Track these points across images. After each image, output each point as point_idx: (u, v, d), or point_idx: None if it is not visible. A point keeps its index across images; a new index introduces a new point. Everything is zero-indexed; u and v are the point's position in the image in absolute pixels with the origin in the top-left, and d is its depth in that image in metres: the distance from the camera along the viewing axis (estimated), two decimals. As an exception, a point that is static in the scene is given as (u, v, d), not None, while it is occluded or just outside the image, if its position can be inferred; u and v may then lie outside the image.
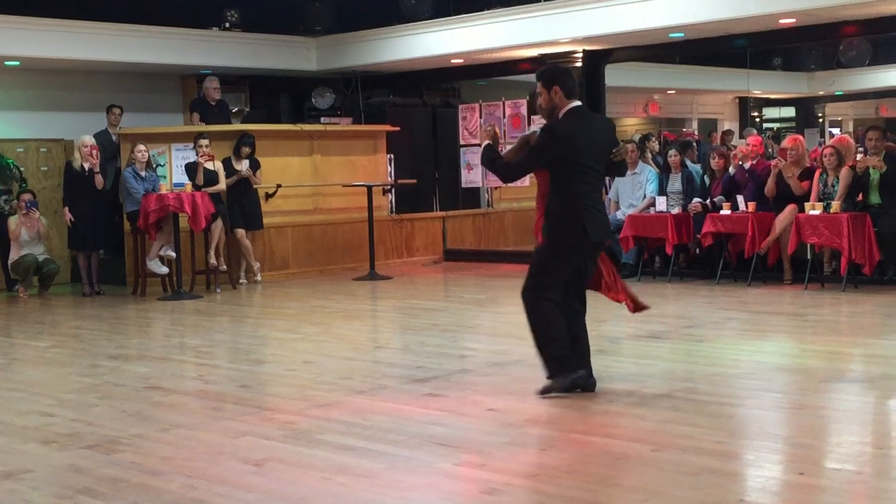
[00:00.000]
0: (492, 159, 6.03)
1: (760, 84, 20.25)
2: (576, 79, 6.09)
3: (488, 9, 13.24)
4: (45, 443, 5.23)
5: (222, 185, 11.75)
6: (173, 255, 11.13)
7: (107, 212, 12.20)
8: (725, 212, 10.67)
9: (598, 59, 13.14)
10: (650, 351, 7.30)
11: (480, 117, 14.26)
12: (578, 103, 5.91)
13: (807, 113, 22.34)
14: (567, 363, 5.83)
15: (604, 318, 8.06)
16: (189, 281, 11.45)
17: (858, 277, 9.97)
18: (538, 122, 6.86)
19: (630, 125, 21.16)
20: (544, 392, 5.85)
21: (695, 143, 14.87)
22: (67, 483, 4.56)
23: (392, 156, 14.24)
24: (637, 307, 6.23)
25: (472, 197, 15.41)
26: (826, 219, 9.78)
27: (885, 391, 6.02)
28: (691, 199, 11.23)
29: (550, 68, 6.33)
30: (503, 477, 4.41)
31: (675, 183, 11.47)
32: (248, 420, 5.56)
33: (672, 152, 11.74)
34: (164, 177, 12.11)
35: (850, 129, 22.46)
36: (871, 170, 10.11)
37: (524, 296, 5.90)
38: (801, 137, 11.46)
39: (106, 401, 6.19)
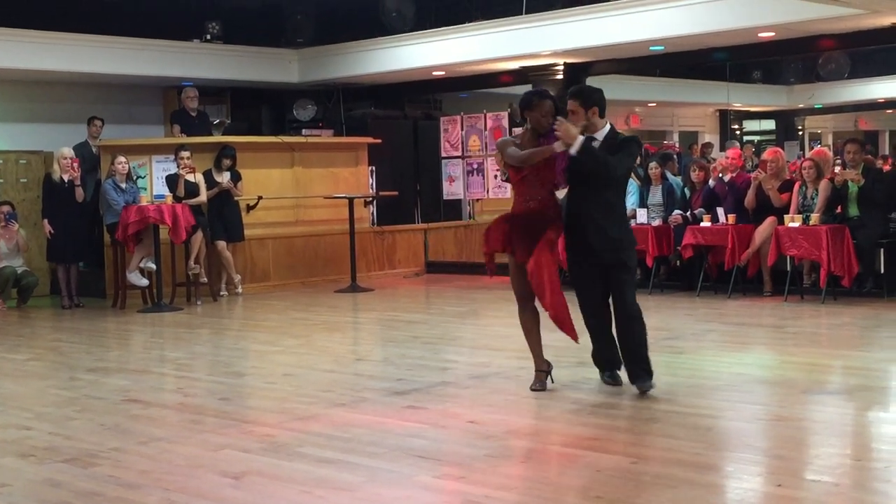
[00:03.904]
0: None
1: (740, 97, 20.39)
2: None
3: (470, 21, 13.29)
4: (23, 456, 5.19)
5: (203, 197, 11.73)
6: (153, 267, 11.09)
7: (86, 224, 12.14)
8: (706, 224, 10.71)
9: (578, 72, 13.19)
10: (630, 363, 7.29)
11: (462, 129, 14.29)
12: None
13: (787, 125, 22.50)
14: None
15: (585, 331, 8.06)
16: (169, 293, 11.40)
17: (837, 289, 10.02)
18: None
19: (611, 138, 21.21)
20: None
21: (675, 156, 14.93)
22: (45, 497, 4.53)
23: (373, 168, 14.24)
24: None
25: (453, 209, 15.43)
26: (805, 231, 9.83)
27: (864, 403, 6.04)
28: (672, 212, 11.27)
29: (587, 88, 6.48)
30: (483, 489, 4.41)
31: (656, 195, 11.52)
32: (228, 433, 5.53)
33: (653, 165, 11.78)
34: (145, 189, 12.07)
35: (830, 141, 22.65)
36: (849, 183, 10.17)
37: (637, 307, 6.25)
38: (780, 150, 11.54)
39: (84, 414, 6.16)
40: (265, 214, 12.83)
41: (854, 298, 10.05)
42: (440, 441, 5.33)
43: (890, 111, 23.39)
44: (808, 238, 9.78)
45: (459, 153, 14.31)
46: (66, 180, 11.65)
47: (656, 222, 11.20)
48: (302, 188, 13.32)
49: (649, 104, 20.64)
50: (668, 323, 9.27)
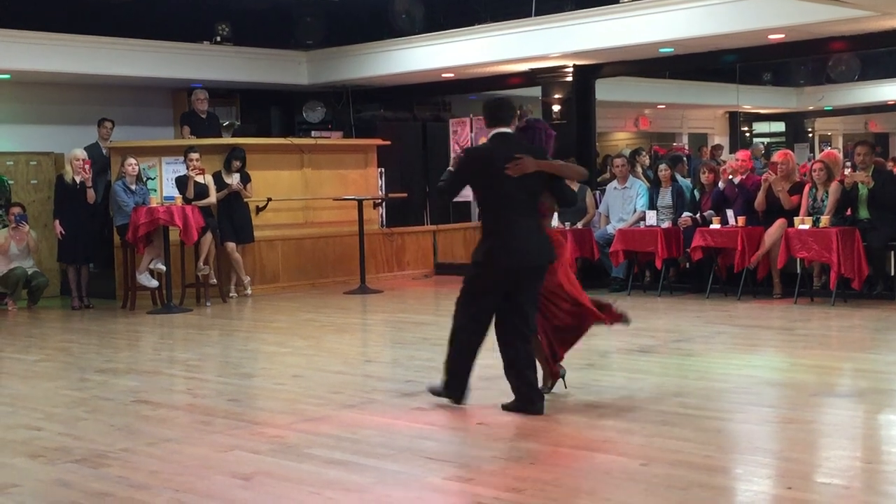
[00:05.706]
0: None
1: (750, 99, 20.30)
2: (508, 110, 6.22)
3: (479, 23, 13.28)
4: (33, 457, 5.20)
5: (212, 198, 11.76)
6: (163, 268, 11.11)
7: (97, 225, 12.18)
8: (715, 226, 10.70)
9: (588, 74, 13.18)
10: (640, 365, 7.30)
11: (471, 131, 14.29)
12: (502, 130, 6.10)
13: (796, 128, 22.43)
14: (453, 383, 5.99)
15: (594, 332, 8.04)
16: (179, 294, 11.43)
17: (848, 292, 10.00)
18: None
19: (620, 139, 21.22)
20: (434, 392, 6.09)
21: (685, 158, 14.90)
22: (55, 498, 4.54)
23: (383, 169, 14.26)
24: (614, 318, 6.29)
25: (462, 211, 15.41)
26: (815, 233, 9.81)
27: (874, 405, 6.03)
28: (681, 214, 11.26)
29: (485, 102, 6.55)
30: (492, 491, 4.41)
31: (665, 197, 11.51)
32: (237, 434, 5.54)
33: (662, 167, 11.78)
34: (155, 190, 12.11)
35: (840, 143, 22.57)
36: (859, 185, 10.15)
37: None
38: (790, 152, 11.51)
39: (94, 415, 6.17)
40: (274, 216, 12.85)
41: (864, 301, 10.02)
42: (449, 443, 5.33)
43: (900, 113, 23.29)
44: (818, 240, 9.75)
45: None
46: (78, 181, 11.68)
47: (666, 224, 11.20)
48: (311, 190, 13.34)
49: (658, 106, 20.60)
50: (677, 325, 9.27)
